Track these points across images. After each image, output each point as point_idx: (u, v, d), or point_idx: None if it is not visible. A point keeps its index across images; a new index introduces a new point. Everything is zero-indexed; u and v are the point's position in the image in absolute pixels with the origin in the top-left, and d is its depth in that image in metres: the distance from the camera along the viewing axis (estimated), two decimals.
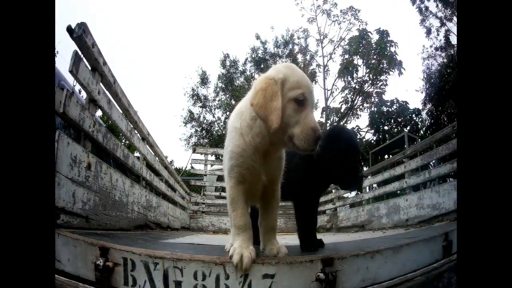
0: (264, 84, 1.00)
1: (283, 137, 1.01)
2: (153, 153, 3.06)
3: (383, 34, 12.50)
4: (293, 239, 1.95)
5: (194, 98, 15.83)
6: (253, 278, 0.88)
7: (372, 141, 11.89)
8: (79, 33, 1.45)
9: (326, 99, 14.17)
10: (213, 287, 0.87)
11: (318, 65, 14.72)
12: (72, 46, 1.47)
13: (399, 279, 1.02)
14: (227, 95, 15.78)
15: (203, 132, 15.87)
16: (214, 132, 15.65)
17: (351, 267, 0.94)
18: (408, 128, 11.44)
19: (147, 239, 1.78)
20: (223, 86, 15.84)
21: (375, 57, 12.63)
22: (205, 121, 15.95)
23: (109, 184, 1.79)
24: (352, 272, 0.94)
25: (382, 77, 12.88)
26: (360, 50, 12.78)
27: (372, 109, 12.98)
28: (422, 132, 11.67)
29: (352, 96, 13.62)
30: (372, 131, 12.32)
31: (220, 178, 5.65)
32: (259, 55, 15.99)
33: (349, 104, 13.64)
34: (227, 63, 16.02)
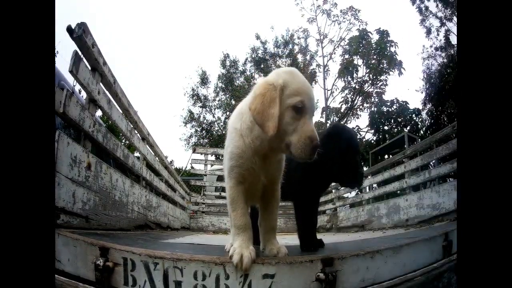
0: (263, 89, 0.99)
1: (281, 144, 1.00)
2: (153, 153, 3.06)
3: (383, 34, 12.51)
4: (293, 239, 1.95)
5: (194, 98, 15.83)
6: (253, 278, 0.88)
7: (372, 141, 11.89)
8: (79, 33, 1.45)
9: (326, 99, 14.18)
10: (213, 287, 0.87)
11: (318, 65, 14.75)
12: (72, 46, 1.48)
13: (399, 279, 1.02)
14: (227, 95, 15.78)
15: (203, 132, 15.87)
16: (214, 132, 15.65)
17: (351, 267, 0.94)
18: (408, 128, 11.45)
19: (147, 239, 1.78)
20: (223, 86, 15.84)
21: (375, 57, 12.64)
22: (205, 121, 15.96)
23: (109, 184, 1.79)
24: (352, 272, 0.94)
25: (382, 77, 12.90)
26: (360, 50, 12.79)
27: (372, 109, 13.00)
28: (422, 132, 11.68)
29: (352, 96, 13.63)
30: (372, 131, 12.33)
31: (220, 178, 5.65)
32: (259, 55, 15.98)
33: (349, 104, 13.64)
34: (227, 63, 16.02)
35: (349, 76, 13.21)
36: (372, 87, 13.25)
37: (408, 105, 12.03)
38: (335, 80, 14.06)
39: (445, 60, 12.80)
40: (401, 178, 3.27)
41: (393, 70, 12.54)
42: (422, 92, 13.49)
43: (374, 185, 4.42)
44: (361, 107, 13.66)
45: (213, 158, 5.79)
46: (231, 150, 1.10)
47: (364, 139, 12.52)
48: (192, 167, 8.67)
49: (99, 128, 1.71)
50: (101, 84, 1.77)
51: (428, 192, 2.68)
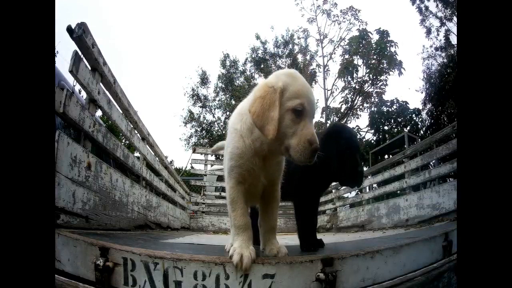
0: (263, 92, 0.98)
1: (280, 147, 1.00)
2: (153, 153, 3.06)
3: (383, 34, 12.52)
4: (293, 239, 1.95)
5: (194, 98, 15.84)
6: (253, 278, 0.88)
7: (372, 141, 11.90)
8: (79, 33, 1.45)
9: (326, 99, 14.19)
10: (213, 287, 0.87)
11: (318, 65, 14.76)
12: (72, 46, 1.48)
13: (399, 279, 1.02)
14: (227, 95, 15.78)
15: (203, 132, 15.87)
16: (214, 132, 15.65)
17: (351, 267, 0.94)
18: (408, 128, 11.45)
19: (147, 239, 1.78)
20: (223, 86, 15.84)
21: (375, 57, 12.65)
22: (205, 121, 15.97)
23: (109, 184, 1.79)
24: (352, 272, 0.94)
25: (382, 77, 12.92)
26: (360, 50, 12.81)
27: (372, 109, 13.01)
28: (422, 132, 11.68)
29: (352, 96, 13.64)
30: (372, 131, 12.34)
31: (220, 178, 5.65)
32: (259, 55, 15.99)
33: (349, 104, 13.65)
34: (227, 63, 16.03)
35: (349, 76, 13.23)
36: (372, 87, 13.27)
37: (408, 105, 12.06)
38: (335, 80, 14.09)
39: (445, 60, 12.79)
40: (401, 178, 3.27)
41: (393, 70, 12.56)
42: (422, 92, 13.51)
43: (374, 185, 4.42)
44: (361, 107, 13.68)
45: (213, 158, 5.79)
46: (231, 151, 1.10)
47: (364, 139, 12.53)
48: (192, 167, 8.67)
49: (99, 128, 1.71)
50: (101, 84, 1.77)
51: (428, 192, 2.68)
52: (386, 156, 9.64)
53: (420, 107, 12.68)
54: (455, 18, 12.48)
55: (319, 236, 1.58)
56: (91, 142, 1.63)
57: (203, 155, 5.48)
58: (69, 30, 1.44)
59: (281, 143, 0.99)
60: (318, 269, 0.90)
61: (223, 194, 4.90)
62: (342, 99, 13.80)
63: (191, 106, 15.90)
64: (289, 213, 4.82)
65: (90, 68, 1.63)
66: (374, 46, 12.57)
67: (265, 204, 1.22)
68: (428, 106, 12.84)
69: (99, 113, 1.99)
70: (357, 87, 13.35)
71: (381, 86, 13.06)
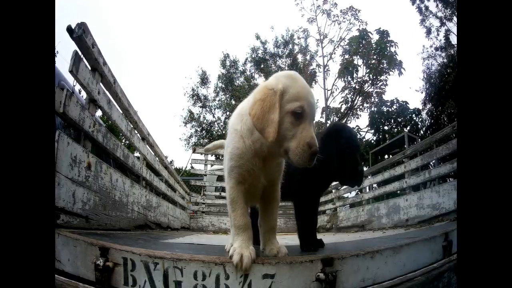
0: (263, 94, 0.98)
1: (279, 149, 1.00)
2: (153, 153, 3.06)
3: (383, 34, 12.52)
4: (293, 239, 1.95)
5: (194, 98, 15.83)
6: (253, 278, 0.88)
7: (372, 141, 11.90)
8: (79, 33, 1.45)
9: (326, 99, 14.19)
10: (213, 287, 0.87)
11: (318, 65, 14.76)
12: (72, 46, 1.48)
13: (399, 279, 1.02)
14: (227, 95, 15.78)
15: (203, 132, 15.87)
16: (214, 132, 15.65)
17: (351, 267, 0.94)
18: (408, 128, 11.45)
19: (147, 239, 1.78)
20: (223, 86, 15.84)
21: (375, 57, 12.65)
22: (205, 121, 15.97)
23: (109, 184, 1.79)
24: (352, 272, 0.94)
25: (382, 77, 12.91)
26: (360, 50, 12.81)
27: (372, 109, 13.01)
28: (422, 132, 11.68)
29: (352, 96, 13.64)
30: (372, 131, 12.34)
31: (220, 178, 5.65)
32: (259, 55, 15.99)
33: (349, 104, 13.65)
34: (227, 63, 16.02)
35: (349, 76, 13.22)
36: (372, 87, 13.26)
37: (408, 105, 12.06)
38: (335, 80, 14.09)
39: (445, 60, 12.79)
40: (401, 178, 3.27)
41: (393, 70, 12.56)
42: (422, 92, 13.52)
43: (374, 185, 4.42)
44: (361, 107, 13.68)
45: (213, 158, 5.80)
46: (231, 151, 1.10)
47: (364, 139, 12.53)
48: (192, 167, 8.67)
49: (99, 128, 1.71)
50: (101, 84, 1.77)
51: (428, 192, 2.67)
52: (386, 156, 9.64)
53: (420, 107, 12.71)
54: (455, 18, 12.48)
55: (319, 236, 1.57)
56: (91, 142, 1.63)
57: (203, 155, 5.47)
58: (69, 30, 1.44)
59: (281, 145, 0.98)
60: (318, 269, 0.90)
61: (223, 194, 4.90)
62: (342, 99, 13.81)
63: (191, 106, 15.93)
64: (289, 213, 4.82)
65: (90, 68, 1.63)
66: (374, 46, 12.57)
67: (265, 204, 1.22)
68: (428, 106, 12.85)
69: (99, 113, 1.99)
70: (357, 87, 13.35)
71: (381, 86, 13.06)
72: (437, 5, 13.37)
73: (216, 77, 15.99)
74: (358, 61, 13.16)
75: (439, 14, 13.44)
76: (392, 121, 11.93)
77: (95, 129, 1.64)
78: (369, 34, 12.90)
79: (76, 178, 1.38)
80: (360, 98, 13.56)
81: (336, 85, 14.02)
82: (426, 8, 13.77)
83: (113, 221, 1.83)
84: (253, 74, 16.02)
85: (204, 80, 15.89)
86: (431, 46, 13.90)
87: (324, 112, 14.00)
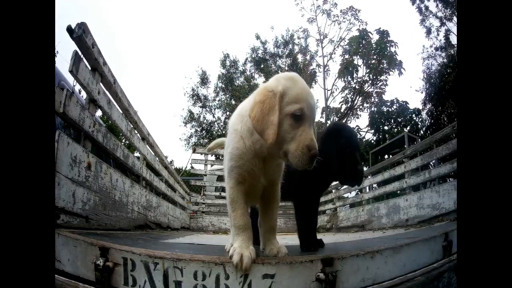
0: (263, 96, 0.98)
1: (279, 151, 0.99)
2: (153, 153, 3.06)
3: (383, 34, 12.52)
4: (293, 239, 1.95)
5: (194, 98, 15.84)
6: (253, 278, 0.88)
7: (372, 141, 11.90)
8: (79, 33, 1.45)
9: (326, 99, 14.19)
10: (213, 287, 0.87)
11: (318, 65, 14.77)
12: (72, 46, 1.48)
13: (399, 279, 1.02)
14: (227, 95, 15.79)
15: (203, 132, 15.88)
16: (214, 132, 15.65)
17: (351, 267, 0.94)
18: (408, 128, 11.46)
19: (147, 239, 1.78)
20: (223, 86, 15.84)
21: (375, 57, 12.65)
22: (205, 121, 15.98)
23: (109, 184, 1.79)
24: (352, 272, 0.94)
25: (382, 77, 12.91)
26: (360, 50, 12.81)
27: (372, 109, 13.02)
28: (422, 132, 11.69)
29: (352, 96, 13.64)
30: (372, 131, 12.34)
31: (220, 178, 5.65)
32: (259, 55, 16.00)
33: (349, 104, 13.65)
34: (227, 63, 16.03)
35: (349, 76, 13.23)
36: (372, 87, 13.27)
37: (408, 105, 12.06)
38: (335, 80, 14.09)
39: (445, 60, 12.79)
40: (401, 178, 3.27)
41: (393, 70, 12.56)
42: (422, 92, 13.52)
43: (374, 185, 4.42)
44: (361, 107, 13.68)
45: (213, 158, 5.79)
46: (231, 151, 1.10)
47: (364, 139, 12.53)
48: (192, 167, 8.68)
49: (99, 128, 1.71)
50: (101, 84, 1.77)
51: (428, 192, 2.67)
52: (386, 156, 9.64)
53: (420, 107, 12.71)
54: (455, 18, 12.48)
55: (319, 236, 1.57)
56: (91, 142, 1.63)
57: (203, 155, 5.47)
58: (69, 30, 1.44)
59: (280, 147, 0.98)
60: (318, 269, 0.90)
61: (223, 194, 4.90)
62: (342, 99, 13.82)
63: (191, 106, 15.94)
64: (289, 213, 4.82)
65: (90, 68, 1.63)
66: (374, 46, 12.57)
67: (265, 204, 1.22)
68: (428, 106, 12.85)
69: (99, 113, 1.99)
70: (357, 87, 13.35)
71: (381, 86, 13.07)
72: (437, 5, 13.38)
73: (216, 77, 16.03)
74: (358, 61, 13.18)
75: (439, 14, 13.45)
76: (392, 121, 11.93)
77: (95, 129, 1.64)
78: (369, 34, 12.91)
79: (76, 178, 1.38)
80: (360, 98, 13.56)
81: (336, 85, 14.05)
82: (426, 8, 13.79)
83: (113, 221, 1.83)
84: (253, 74, 16.03)
85: (204, 80, 15.90)
86: (431, 46, 13.92)
87: (324, 112, 14.01)
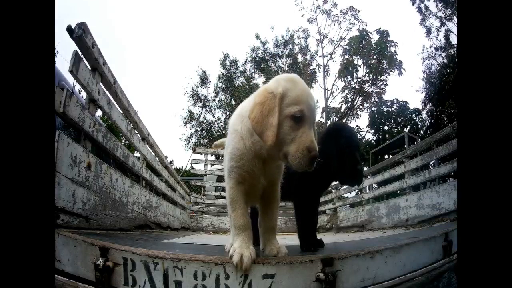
0: (263, 98, 0.97)
1: (279, 153, 0.99)
2: (153, 153, 3.06)
3: (383, 34, 12.53)
4: (293, 239, 1.95)
5: (194, 98, 15.85)
6: (253, 278, 0.88)
7: (372, 141, 11.90)
8: (79, 33, 1.45)
9: (326, 99, 14.20)
10: (213, 287, 0.87)
11: (318, 65, 14.78)
12: (72, 46, 1.48)
13: (399, 279, 1.02)
14: (227, 95, 15.79)
15: (203, 132, 15.88)
16: (214, 132, 15.66)
17: (351, 267, 0.94)
18: (408, 128, 11.46)
19: (147, 239, 1.78)
20: (223, 86, 15.85)
21: (375, 57, 12.66)
22: (205, 121, 15.98)
23: (109, 184, 1.79)
24: (352, 272, 0.94)
25: (382, 77, 12.92)
26: (360, 50, 12.82)
27: (372, 109, 13.02)
28: (422, 132, 11.69)
29: (352, 96, 13.65)
30: (372, 131, 12.34)
31: (220, 178, 5.65)
32: (259, 55, 16.00)
33: (349, 104, 13.66)
34: (227, 63, 16.04)
35: (349, 76, 13.24)
36: (372, 87, 13.28)
37: (408, 105, 12.07)
38: (335, 80, 14.11)
39: (445, 60, 12.79)
40: (401, 178, 3.27)
41: (393, 70, 12.57)
42: (422, 92, 13.52)
43: (374, 185, 4.42)
44: (361, 107, 13.69)
45: (213, 158, 5.79)
46: (231, 151, 1.10)
47: (364, 139, 12.53)
48: (192, 167, 8.68)
49: (99, 128, 1.71)
50: (101, 84, 1.77)
51: (428, 192, 2.67)
52: (386, 156, 9.64)
53: (420, 107, 12.72)
54: (455, 18, 12.48)
55: (319, 236, 1.57)
56: (91, 142, 1.63)
57: (203, 155, 5.48)
58: (69, 30, 1.44)
59: (280, 149, 0.98)
60: (318, 269, 0.90)
61: (223, 194, 4.90)
62: (342, 99, 13.83)
63: (191, 106, 15.95)
64: (289, 213, 4.82)
65: (90, 68, 1.63)
66: (374, 46, 12.58)
67: (265, 204, 1.22)
68: (428, 106, 12.85)
69: (99, 113, 1.99)
70: (357, 87, 13.36)
71: (381, 86, 13.08)
72: (437, 5, 13.39)
73: (216, 77, 16.03)
74: (358, 61, 13.20)
75: (439, 14, 13.45)
76: (392, 121, 11.93)
77: (95, 129, 1.64)
78: (369, 34, 12.92)
79: (76, 178, 1.38)
80: (360, 98, 13.57)
81: (336, 85, 14.06)
82: (426, 8, 13.79)
83: (113, 221, 1.83)
84: (253, 74, 16.04)
85: (204, 80, 15.91)
86: (431, 46, 13.92)
87: (324, 112, 14.02)
